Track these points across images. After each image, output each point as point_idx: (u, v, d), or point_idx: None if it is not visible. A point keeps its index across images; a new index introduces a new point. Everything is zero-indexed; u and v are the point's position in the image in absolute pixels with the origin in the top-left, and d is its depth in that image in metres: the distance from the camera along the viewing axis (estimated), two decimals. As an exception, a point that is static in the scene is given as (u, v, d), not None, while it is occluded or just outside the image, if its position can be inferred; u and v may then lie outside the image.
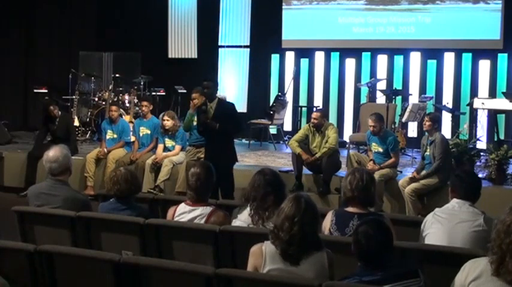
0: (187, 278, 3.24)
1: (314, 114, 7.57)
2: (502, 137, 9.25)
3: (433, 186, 6.94)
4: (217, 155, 6.42)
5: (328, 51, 11.58)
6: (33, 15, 12.44)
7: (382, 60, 11.21)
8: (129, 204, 4.31)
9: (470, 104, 9.09)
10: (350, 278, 2.97)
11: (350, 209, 3.90)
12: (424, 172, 7.06)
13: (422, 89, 10.90)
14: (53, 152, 4.46)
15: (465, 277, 2.69)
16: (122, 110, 10.31)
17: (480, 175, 7.10)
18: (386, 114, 8.88)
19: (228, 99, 9.63)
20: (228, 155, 6.72)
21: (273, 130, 11.10)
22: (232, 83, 12.11)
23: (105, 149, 8.45)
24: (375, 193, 4.11)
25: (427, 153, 7.12)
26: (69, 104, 11.05)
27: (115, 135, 8.61)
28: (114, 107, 8.71)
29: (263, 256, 3.18)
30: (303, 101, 11.72)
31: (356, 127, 10.10)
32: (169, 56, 12.75)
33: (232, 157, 6.81)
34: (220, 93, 7.28)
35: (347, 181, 3.92)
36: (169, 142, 8.22)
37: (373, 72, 11.16)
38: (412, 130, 10.69)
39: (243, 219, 4.02)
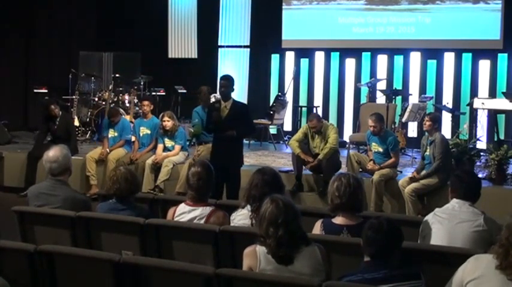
0: (187, 278, 3.24)
1: (310, 123, 7.49)
2: (502, 137, 9.26)
3: (433, 186, 6.94)
4: (227, 156, 6.41)
5: (328, 51, 11.58)
6: (33, 15, 12.44)
7: (382, 60, 11.21)
8: (128, 204, 4.30)
9: (470, 104, 9.09)
10: (353, 275, 2.99)
11: (338, 220, 3.79)
12: (424, 172, 7.06)
13: (422, 89, 10.90)
14: (53, 152, 4.46)
15: (469, 269, 2.72)
16: (121, 110, 10.32)
17: (480, 175, 7.10)
18: (386, 114, 8.88)
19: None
20: (238, 157, 6.68)
21: (273, 130, 11.10)
22: (232, 83, 12.11)
23: (107, 149, 8.42)
24: (363, 198, 4.00)
25: (427, 153, 7.12)
26: (69, 104, 11.04)
27: (116, 134, 8.61)
28: (113, 118, 8.65)
29: (257, 257, 3.18)
30: (303, 101, 11.72)
31: (356, 127, 10.11)
32: (169, 56, 12.75)
33: (241, 158, 6.78)
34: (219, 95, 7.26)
35: (334, 187, 3.78)
36: (169, 142, 8.22)
37: (373, 72, 11.16)
38: (412, 130, 10.69)
39: (238, 218, 4.03)
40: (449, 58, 10.82)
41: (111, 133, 8.63)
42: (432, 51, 10.90)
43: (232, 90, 6.66)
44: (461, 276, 2.79)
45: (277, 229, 3.14)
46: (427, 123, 7.14)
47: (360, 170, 7.51)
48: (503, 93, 9.10)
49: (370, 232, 3.04)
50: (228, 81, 6.59)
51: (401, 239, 3.10)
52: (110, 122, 8.69)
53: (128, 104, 10.63)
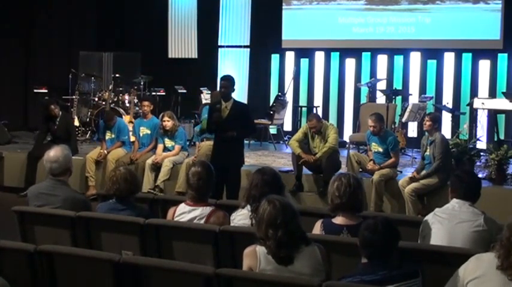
0: (187, 278, 3.23)
1: (310, 123, 7.48)
2: (502, 137, 9.25)
3: (433, 186, 6.94)
4: (228, 156, 6.40)
5: (328, 51, 11.58)
6: (33, 15, 12.43)
7: (382, 60, 11.21)
8: (128, 204, 4.30)
9: (470, 104, 9.09)
10: (351, 276, 2.98)
11: (338, 220, 3.79)
12: (424, 172, 7.06)
13: (422, 89, 10.90)
14: (53, 152, 4.46)
15: (470, 268, 2.73)
16: (121, 110, 10.33)
17: (480, 175, 7.10)
18: (387, 114, 8.88)
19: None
20: (238, 157, 6.67)
21: (273, 130, 11.10)
22: (232, 83, 12.10)
23: (105, 151, 8.43)
24: (363, 198, 4.00)
25: (427, 153, 7.12)
26: (69, 104, 11.04)
27: (113, 136, 8.62)
28: (109, 122, 8.66)
29: (257, 257, 3.17)
30: (303, 101, 11.72)
31: (356, 127, 10.11)
32: (169, 56, 12.75)
33: (242, 159, 6.78)
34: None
35: (334, 187, 3.78)
36: (169, 142, 8.21)
37: (373, 72, 11.16)
38: (412, 130, 10.69)
39: (238, 218, 4.03)
40: (449, 58, 10.82)
41: (108, 135, 8.64)
42: (432, 51, 10.90)
43: (233, 90, 6.64)
44: (462, 275, 2.79)
45: (276, 230, 3.13)
46: (427, 123, 7.14)
47: (360, 170, 7.51)
48: (503, 93, 9.10)
49: (367, 233, 3.02)
50: (229, 81, 6.58)
51: (399, 239, 3.09)
52: (106, 125, 8.69)
53: (128, 104, 10.64)
